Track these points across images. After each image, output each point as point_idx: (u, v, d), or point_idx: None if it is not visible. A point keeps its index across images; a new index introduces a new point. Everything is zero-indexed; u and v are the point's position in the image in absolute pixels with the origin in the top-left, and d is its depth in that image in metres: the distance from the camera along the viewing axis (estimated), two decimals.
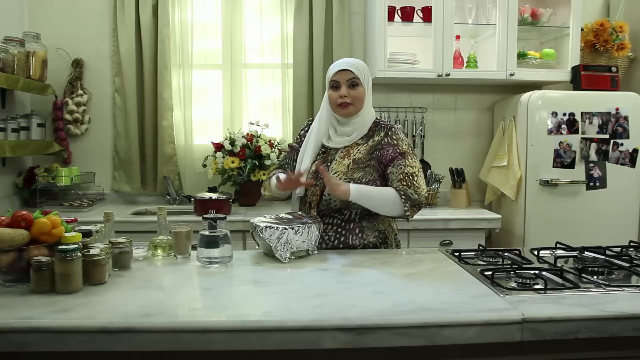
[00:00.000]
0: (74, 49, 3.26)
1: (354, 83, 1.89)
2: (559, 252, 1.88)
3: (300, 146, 2.07)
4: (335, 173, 1.90)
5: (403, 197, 1.81)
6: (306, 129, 2.09)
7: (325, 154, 1.99)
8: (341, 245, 1.91)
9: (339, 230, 1.91)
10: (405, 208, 1.81)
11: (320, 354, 1.24)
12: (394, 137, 1.91)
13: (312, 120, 2.09)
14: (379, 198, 1.83)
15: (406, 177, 1.84)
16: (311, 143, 1.99)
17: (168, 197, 3.27)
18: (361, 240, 1.91)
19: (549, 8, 3.21)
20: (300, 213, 1.94)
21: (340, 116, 1.94)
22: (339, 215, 1.91)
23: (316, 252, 1.80)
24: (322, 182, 1.89)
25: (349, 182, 1.86)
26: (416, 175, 1.86)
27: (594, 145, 2.91)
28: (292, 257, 1.72)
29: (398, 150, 1.89)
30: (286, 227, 1.72)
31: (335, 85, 1.91)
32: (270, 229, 1.71)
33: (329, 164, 1.95)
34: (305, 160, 1.97)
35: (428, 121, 3.46)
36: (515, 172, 2.97)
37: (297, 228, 1.73)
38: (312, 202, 1.94)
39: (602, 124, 2.91)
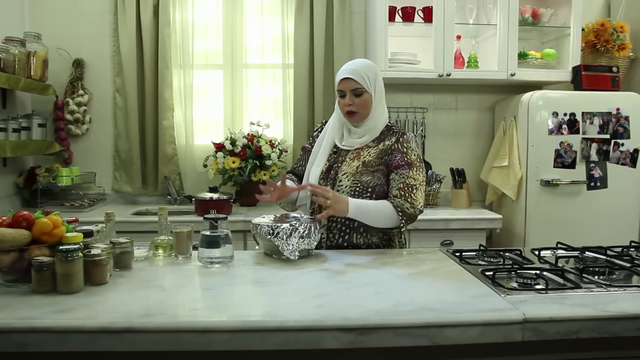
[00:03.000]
0: (74, 49, 3.26)
1: (357, 93, 1.89)
2: (560, 252, 1.88)
3: (312, 148, 2.08)
4: (344, 174, 1.91)
5: (400, 212, 1.82)
6: (319, 130, 2.10)
7: (336, 154, 1.99)
8: (345, 244, 1.92)
9: (344, 229, 1.91)
10: (402, 223, 1.84)
11: (321, 354, 1.24)
12: (405, 145, 1.90)
13: (326, 122, 2.10)
14: (377, 212, 1.83)
15: (406, 188, 1.84)
16: (325, 144, 2.00)
17: (169, 197, 3.27)
18: (365, 239, 1.92)
19: (550, 8, 3.21)
20: (298, 213, 1.94)
21: (349, 123, 1.96)
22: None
23: (312, 252, 1.81)
24: (330, 184, 1.91)
25: (356, 184, 1.87)
26: (416, 189, 1.86)
27: (594, 146, 2.91)
28: (298, 256, 1.72)
29: (405, 159, 1.88)
30: (292, 226, 1.72)
31: (341, 94, 1.92)
32: (277, 228, 1.71)
33: (339, 164, 1.95)
34: (318, 161, 1.98)
35: (429, 121, 3.46)
36: (516, 172, 2.97)
37: (302, 227, 1.73)
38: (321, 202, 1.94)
39: (603, 124, 2.91)
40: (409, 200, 1.83)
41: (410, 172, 1.86)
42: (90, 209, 3.03)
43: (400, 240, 2.01)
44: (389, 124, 1.99)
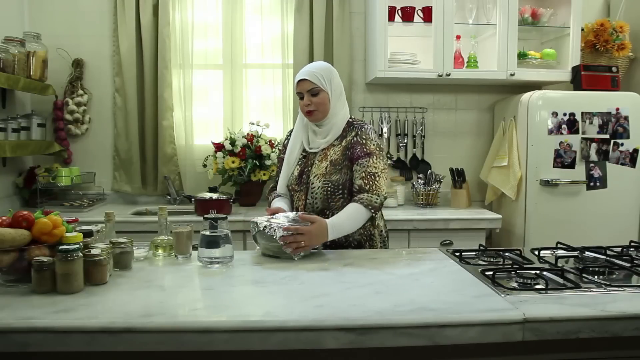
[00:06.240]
0: (74, 49, 3.26)
1: (314, 92, 1.96)
2: (560, 252, 1.88)
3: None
4: (314, 176, 1.98)
5: (371, 208, 1.88)
6: (289, 137, 2.16)
7: (305, 158, 2.06)
8: (328, 243, 1.91)
9: None
10: (374, 215, 1.93)
11: (321, 354, 1.24)
12: (364, 137, 1.97)
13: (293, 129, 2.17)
14: (352, 221, 1.88)
15: (368, 176, 1.91)
16: (293, 150, 2.08)
17: (168, 197, 3.27)
18: (347, 237, 1.96)
19: (550, 8, 3.21)
20: (295, 214, 1.95)
21: (311, 122, 2.03)
22: (322, 216, 1.93)
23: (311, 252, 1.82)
24: (304, 188, 1.99)
25: (327, 185, 1.94)
26: (378, 176, 1.93)
27: (594, 145, 2.91)
28: (302, 255, 1.73)
29: (365, 150, 1.95)
30: (297, 226, 1.72)
31: (300, 96, 2.00)
32: (281, 228, 1.71)
33: (310, 167, 2.02)
34: (290, 168, 2.06)
35: (428, 121, 3.46)
36: (516, 172, 2.97)
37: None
38: (299, 206, 2.02)
39: (603, 124, 2.91)
40: (373, 188, 1.90)
41: (371, 160, 1.93)
42: (90, 209, 3.03)
43: (381, 234, 2.06)
44: (350, 120, 2.05)
